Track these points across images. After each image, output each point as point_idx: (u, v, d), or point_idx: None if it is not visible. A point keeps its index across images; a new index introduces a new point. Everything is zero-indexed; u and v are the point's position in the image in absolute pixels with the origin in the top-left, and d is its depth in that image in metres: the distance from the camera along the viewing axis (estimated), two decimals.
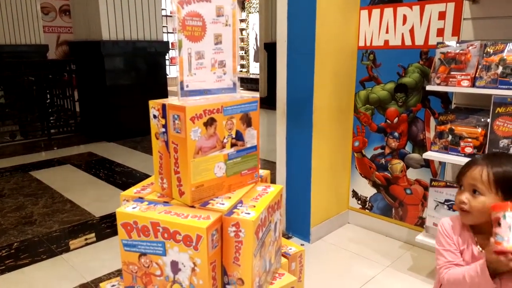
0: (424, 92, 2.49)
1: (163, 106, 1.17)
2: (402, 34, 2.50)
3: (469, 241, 1.26)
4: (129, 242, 1.14)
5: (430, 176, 2.57)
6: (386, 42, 2.58)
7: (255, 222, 1.08)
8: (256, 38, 12.14)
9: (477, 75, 1.93)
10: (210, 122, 1.16)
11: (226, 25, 1.24)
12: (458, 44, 2.03)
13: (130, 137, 5.70)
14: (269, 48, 8.03)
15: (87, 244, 2.75)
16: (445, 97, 2.41)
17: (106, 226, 3.02)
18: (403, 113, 2.61)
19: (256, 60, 12.26)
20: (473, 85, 1.96)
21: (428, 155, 2.15)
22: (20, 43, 7.33)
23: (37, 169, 4.38)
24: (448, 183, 2.14)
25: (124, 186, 3.83)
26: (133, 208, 1.15)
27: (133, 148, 5.29)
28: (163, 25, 6.47)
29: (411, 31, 2.46)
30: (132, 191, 1.29)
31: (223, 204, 1.17)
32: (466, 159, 2.05)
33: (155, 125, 1.21)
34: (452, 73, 2.02)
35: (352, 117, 2.86)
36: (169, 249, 1.09)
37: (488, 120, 1.97)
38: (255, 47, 12.23)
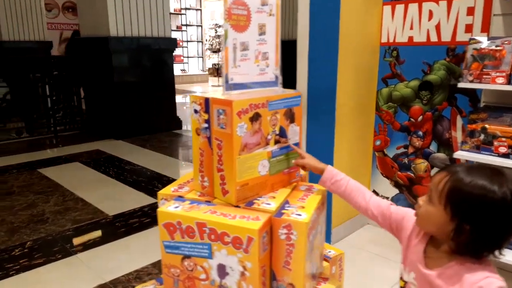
0: (450, 90, 2.43)
1: (206, 100, 1.10)
2: (428, 30, 2.44)
3: (418, 250, 1.05)
4: (171, 244, 1.07)
5: None
6: (411, 38, 2.52)
7: (308, 224, 1.02)
8: None
9: None
10: (256, 117, 1.10)
11: (270, 15, 1.18)
12: (491, 41, 1.97)
13: (138, 135, 5.64)
14: (283, 46, 7.94)
15: (102, 244, 2.68)
16: (473, 95, 2.35)
17: (120, 225, 2.95)
18: (427, 111, 2.55)
19: None
20: (508, 82, 1.90)
21: (459, 154, 2.09)
22: (24, 39, 7.25)
23: (45, 167, 4.31)
24: None
25: (135, 185, 3.77)
26: (176, 207, 1.09)
27: (142, 146, 5.22)
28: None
29: (437, 27, 2.40)
30: (170, 189, 1.23)
31: (269, 204, 1.11)
32: (500, 160, 2.00)
33: (196, 120, 1.14)
34: (485, 70, 1.96)
35: (374, 115, 2.80)
36: (216, 252, 1.02)
37: None
38: None
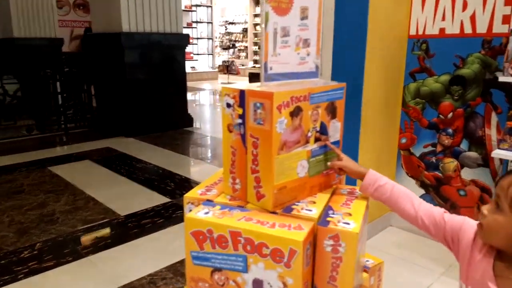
0: (485, 85, 2.27)
1: (241, 93, 0.97)
2: (461, 21, 2.28)
3: (485, 267, 0.90)
4: (200, 255, 0.95)
5: (488, 176, 2.36)
6: (442, 30, 2.36)
7: (358, 234, 0.88)
8: None
9: None
10: (297, 112, 0.97)
11: None
12: None
13: (149, 132, 5.53)
14: None
15: (114, 245, 2.57)
16: (510, 91, 2.19)
17: (132, 226, 2.84)
18: (459, 107, 2.39)
19: None
20: None
21: (497, 153, 1.94)
22: (36, 36, 7.19)
23: (56, 164, 4.22)
24: None
25: (147, 183, 3.66)
26: (206, 213, 0.96)
27: (154, 143, 5.11)
28: None
29: (472, 18, 2.24)
30: (197, 192, 1.10)
31: (310, 210, 0.98)
32: None
33: (229, 115, 1.01)
34: None
35: (400, 111, 2.65)
36: (252, 265, 0.90)
37: None
38: None
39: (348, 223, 0.91)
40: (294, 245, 0.85)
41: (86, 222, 2.89)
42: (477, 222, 0.92)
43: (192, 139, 5.65)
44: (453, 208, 2.53)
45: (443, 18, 2.34)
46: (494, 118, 2.28)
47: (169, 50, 5.64)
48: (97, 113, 5.99)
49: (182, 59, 5.90)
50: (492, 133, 2.31)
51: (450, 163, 2.50)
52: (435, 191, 2.59)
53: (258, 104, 0.94)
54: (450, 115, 2.44)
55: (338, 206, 1.01)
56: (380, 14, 2.29)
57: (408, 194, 1.05)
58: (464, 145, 2.42)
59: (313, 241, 0.92)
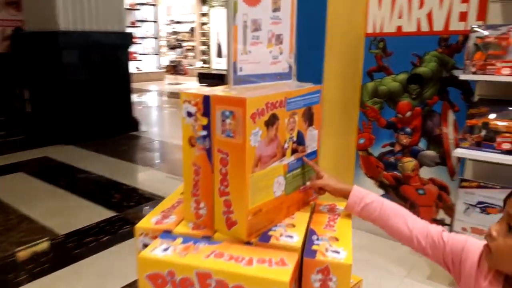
0: (441, 83, 2.26)
1: (205, 99, 0.80)
2: (418, 19, 2.25)
3: None
4: None
5: (446, 174, 2.35)
6: (399, 28, 2.32)
7: (351, 266, 0.74)
8: (218, 33, 11.70)
9: None
10: (272, 121, 0.81)
11: None
12: (493, 28, 1.80)
13: (91, 139, 5.12)
14: None
15: (52, 270, 2.27)
16: (466, 88, 2.19)
17: (73, 246, 2.54)
18: (416, 106, 2.37)
19: (218, 55, 11.83)
20: None
21: (460, 152, 1.91)
22: None
23: None
24: (481, 183, 1.91)
25: (89, 196, 3.33)
26: (165, 250, 0.77)
27: (96, 151, 4.73)
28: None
29: (429, 16, 2.21)
30: (150, 220, 0.91)
31: (290, 237, 0.82)
32: (503, 157, 1.85)
33: (190, 126, 0.83)
34: (489, 60, 1.79)
35: (358, 112, 2.59)
36: None
37: None
38: (218, 42, 11.79)
39: (337, 252, 0.77)
40: (278, 287, 0.69)
41: (20, 244, 2.54)
42: (481, 242, 0.81)
43: (138, 144, 5.31)
44: (412, 207, 2.50)
45: (400, 16, 2.30)
46: (451, 116, 2.28)
47: (112, 49, 5.26)
48: (32, 119, 5.46)
49: (126, 59, 5.53)
50: (449, 131, 2.30)
51: (409, 163, 2.48)
52: (395, 191, 2.56)
53: (227, 113, 0.77)
54: (408, 114, 2.41)
55: (321, 228, 0.87)
56: (338, 12, 2.20)
57: (399, 211, 0.93)
58: (422, 144, 2.40)
59: (298, 275, 0.77)
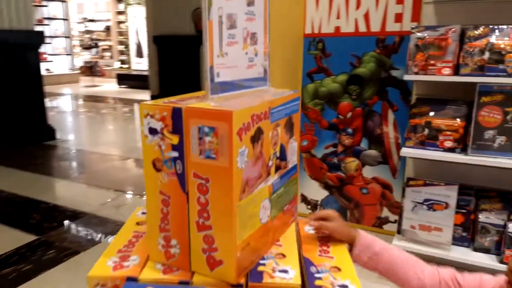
0: (380, 84, 2.30)
1: (176, 112, 0.64)
2: (356, 19, 2.26)
3: None
4: None
5: (388, 173, 2.41)
6: (337, 29, 2.32)
7: None
8: (137, 32, 11.14)
9: (460, 62, 1.77)
10: (258, 136, 0.68)
11: None
12: (432, 29, 1.85)
13: None
14: (160, 41, 7.32)
15: None
16: (404, 88, 2.25)
17: None
18: (357, 107, 2.39)
19: (138, 55, 11.27)
20: (455, 73, 1.80)
21: (406, 152, 1.94)
22: None
23: None
24: (427, 181, 1.96)
25: (2, 219, 2.88)
26: None
27: (6, 164, 4.13)
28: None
29: (366, 17, 2.23)
30: (106, 265, 0.72)
31: (285, 272, 0.70)
32: (446, 154, 1.91)
33: (155, 146, 0.67)
34: (429, 60, 1.83)
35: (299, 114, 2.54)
36: None
37: (468, 110, 1.84)
38: (137, 42, 11.22)
39: (345, 286, 0.66)
40: None
41: None
42: (496, 278, 0.76)
43: (56, 155, 4.79)
44: (357, 207, 2.53)
45: (338, 16, 2.29)
46: (390, 116, 2.33)
47: (20, 50, 4.66)
48: None
49: (36, 61, 4.95)
50: (389, 130, 2.35)
51: (352, 163, 2.50)
52: (339, 191, 2.56)
53: (205, 129, 0.62)
54: (349, 115, 2.42)
55: (316, 256, 0.76)
56: (277, 13, 2.13)
57: (408, 259, 0.86)
58: (364, 144, 2.43)
59: None
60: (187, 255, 0.70)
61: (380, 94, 2.31)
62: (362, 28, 2.25)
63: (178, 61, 7.28)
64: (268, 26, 0.79)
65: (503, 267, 1.82)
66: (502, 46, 1.66)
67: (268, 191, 0.75)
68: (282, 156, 0.80)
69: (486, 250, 1.92)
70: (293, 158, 0.86)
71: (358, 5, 2.23)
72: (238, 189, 0.64)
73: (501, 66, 1.67)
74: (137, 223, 0.89)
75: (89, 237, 2.64)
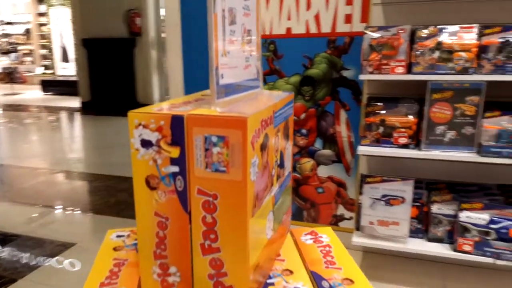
0: (332, 84, 2.33)
1: (175, 120, 0.55)
2: (307, 21, 2.27)
3: None
4: None
5: (343, 171, 2.45)
6: (289, 30, 2.31)
7: None
8: (61, 35, 10.40)
9: (412, 61, 1.84)
10: (265, 143, 0.61)
11: None
12: (386, 30, 1.90)
13: None
14: (90, 45, 6.90)
15: None
16: (355, 88, 2.30)
17: None
18: (310, 107, 2.40)
19: (64, 60, 10.53)
20: (408, 71, 1.86)
21: (362, 150, 1.98)
22: None
23: None
24: (384, 178, 2.01)
25: None
26: None
27: None
28: None
29: (317, 18, 2.25)
30: None
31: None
32: (400, 151, 1.97)
33: (148, 161, 0.57)
34: (383, 60, 1.88)
35: None
36: None
37: (420, 107, 1.92)
38: (62, 45, 10.47)
39: None
40: None
41: None
42: None
43: None
44: (313, 206, 2.54)
45: (289, 18, 2.28)
46: (343, 115, 2.37)
47: None
48: None
49: None
50: (342, 129, 2.39)
51: (307, 163, 2.50)
52: (295, 192, 2.56)
53: (214, 139, 0.54)
54: (303, 116, 2.42)
55: (323, 269, 0.71)
56: None
57: None
58: (318, 144, 2.45)
59: None
60: (189, 283, 0.61)
61: (332, 94, 2.34)
62: (313, 29, 2.26)
63: (110, 65, 6.92)
64: (260, 23, 0.72)
65: (457, 255, 1.92)
66: (450, 45, 1.75)
67: (272, 202, 0.68)
68: (281, 163, 0.74)
69: (439, 240, 2.02)
70: (289, 164, 0.80)
71: (308, 6, 2.24)
72: (251, 205, 0.57)
73: (450, 64, 1.76)
74: (115, 249, 0.78)
75: (24, 261, 2.37)
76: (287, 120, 0.75)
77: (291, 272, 0.69)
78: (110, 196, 3.48)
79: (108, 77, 6.93)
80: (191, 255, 0.60)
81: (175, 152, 0.56)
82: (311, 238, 0.82)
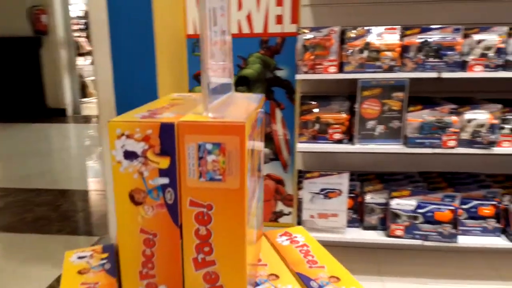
0: (267, 84, 2.36)
1: (164, 128, 0.51)
2: (239, 21, 2.27)
3: None
4: None
5: (280, 168, 2.50)
6: None
7: None
8: None
9: (344, 60, 1.94)
10: (253, 148, 0.60)
11: None
12: (318, 31, 1.98)
13: None
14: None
15: None
16: (289, 87, 2.36)
17: None
18: None
19: None
20: (339, 70, 1.96)
21: (301, 147, 2.05)
22: None
23: None
24: (322, 172, 2.10)
25: None
26: None
27: None
28: None
29: (248, 18, 2.26)
30: None
31: None
32: (335, 146, 2.07)
33: (133, 174, 0.52)
34: (317, 60, 1.96)
35: None
36: None
37: (350, 104, 2.03)
38: None
39: None
40: None
41: None
42: None
43: None
44: None
45: None
46: (278, 114, 2.41)
47: None
48: None
49: None
50: (278, 128, 2.44)
51: None
52: None
53: (209, 147, 0.51)
54: None
55: (307, 269, 0.71)
56: (162, 14, 1.98)
57: None
58: None
59: None
60: None
61: (267, 94, 2.37)
62: (246, 30, 2.27)
63: (13, 67, 6.28)
64: (229, 24, 0.70)
65: (390, 240, 2.07)
66: (377, 45, 1.87)
67: (255, 208, 0.67)
68: (259, 167, 0.72)
69: (374, 228, 2.16)
70: (263, 167, 0.79)
71: (240, 6, 2.24)
72: (247, 213, 0.55)
73: (377, 63, 1.89)
74: (80, 272, 0.70)
75: None
76: (262, 122, 0.74)
77: (277, 276, 0.68)
78: (27, 212, 3.16)
79: (12, 81, 6.28)
80: (182, 272, 0.56)
81: (164, 162, 0.52)
82: (287, 239, 0.82)
